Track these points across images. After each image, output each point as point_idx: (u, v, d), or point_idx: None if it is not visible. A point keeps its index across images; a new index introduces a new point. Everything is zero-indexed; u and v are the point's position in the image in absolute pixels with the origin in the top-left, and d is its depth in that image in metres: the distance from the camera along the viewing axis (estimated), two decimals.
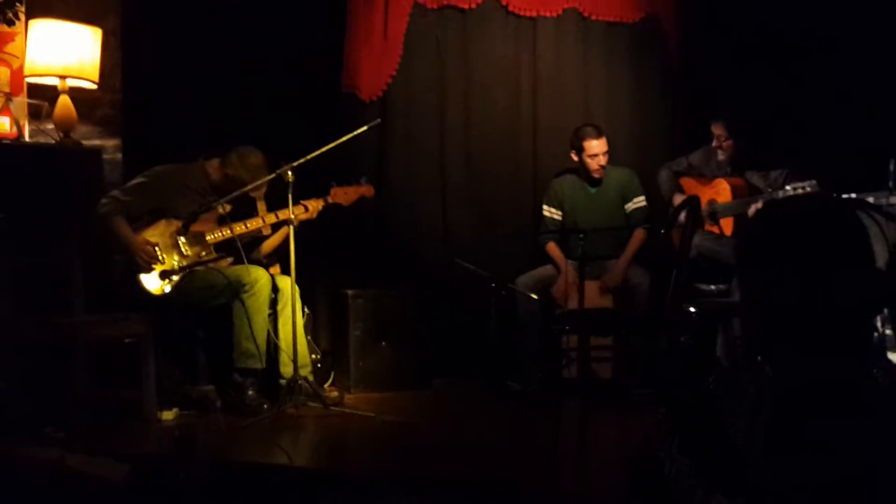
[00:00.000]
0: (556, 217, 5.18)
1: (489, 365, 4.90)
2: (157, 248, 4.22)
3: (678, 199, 4.85)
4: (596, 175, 5.06)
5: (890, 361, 3.66)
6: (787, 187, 4.15)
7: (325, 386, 4.70)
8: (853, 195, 4.29)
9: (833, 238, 1.47)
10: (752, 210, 4.33)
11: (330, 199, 4.49)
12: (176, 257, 4.26)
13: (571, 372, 4.37)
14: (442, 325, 5.18)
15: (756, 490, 1.67)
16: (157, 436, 3.84)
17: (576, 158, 5.09)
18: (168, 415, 4.05)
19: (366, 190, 4.60)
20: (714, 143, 4.73)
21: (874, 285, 1.50)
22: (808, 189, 4.06)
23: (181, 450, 3.26)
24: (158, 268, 4.22)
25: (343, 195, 4.52)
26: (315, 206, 4.44)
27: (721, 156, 4.72)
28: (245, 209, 4.52)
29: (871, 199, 4.27)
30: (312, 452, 3.66)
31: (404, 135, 5.36)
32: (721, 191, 4.66)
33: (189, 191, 4.40)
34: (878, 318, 3.64)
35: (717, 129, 4.70)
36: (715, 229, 4.63)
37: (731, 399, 1.84)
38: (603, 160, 5.02)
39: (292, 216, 4.19)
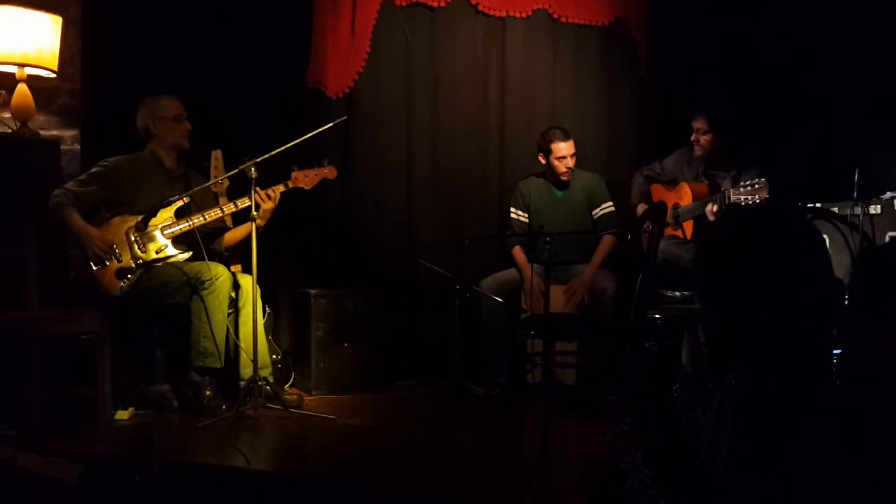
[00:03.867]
0: (522, 220, 5.15)
1: (452, 368, 4.86)
2: (114, 247, 4.12)
3: (642, 209, 4.86)
4: (563, 178, 5.04)
5: None
6: (739, 186, 4.18)
7: (286, 387, 4.63)
8: (818, 205, 4.32)
9: (787, 246, 1.45)
10: (708, 209, 4.37)
11: (291, 184, 4.33)
12: (134, 254, 4.17)
13: (535, 376, 4.35)
14: (405, 327, 5.14)
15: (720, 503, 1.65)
16: (112, 436, 3.75)
17: (543, 161, 5.06)
18: (123, 414, 3.97)
19: (328, 172, 4.44)
20: (693, 137, 4.73)
21: (831, 295, 1.48)
22: (758, 186, 4.08)
23: (136, 450, 3.18)
24: (115, 265, 4.12)
25: (304, 178, 4.36)
26: (275, 191, 4.28)
27: (697, 151, 4.73)
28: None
29: (835, 210, 4.30)
30: (271, 455, 3.60)
31: (370, 133, 5.31)
32: (683, 195, 4.69)
33: (147, 182, 4.30)
34: None
35: (698, 123, 4.72)
36: (679, 234, 4.65)
37: (694, 410, 1.81)
38: (570, 162, 5.01)
39: (251, 203, 4.08)
